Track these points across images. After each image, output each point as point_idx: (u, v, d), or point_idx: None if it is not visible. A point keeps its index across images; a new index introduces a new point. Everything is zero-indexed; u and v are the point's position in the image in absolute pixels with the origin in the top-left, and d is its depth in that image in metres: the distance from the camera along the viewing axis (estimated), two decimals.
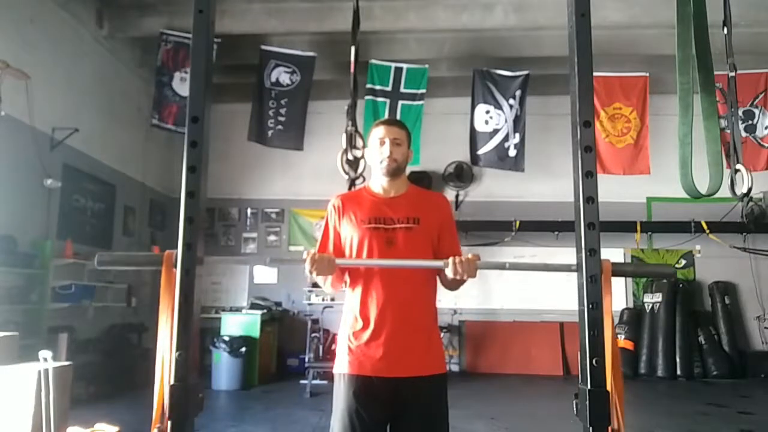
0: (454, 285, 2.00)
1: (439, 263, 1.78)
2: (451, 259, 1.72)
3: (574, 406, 1.38)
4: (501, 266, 1.66)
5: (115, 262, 1.66)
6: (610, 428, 1.32)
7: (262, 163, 8.68)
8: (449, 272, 1.73)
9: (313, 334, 7.46)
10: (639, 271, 1.23)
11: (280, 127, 6.87)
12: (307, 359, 7.18)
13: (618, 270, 1.42)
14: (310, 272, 1.78)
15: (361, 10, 5.52)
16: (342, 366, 1.95)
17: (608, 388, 1.33)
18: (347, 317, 2.01)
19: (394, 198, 2.07)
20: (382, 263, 1.97)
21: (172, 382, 1.34)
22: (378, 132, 2.08)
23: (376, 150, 2.06)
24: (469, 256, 1.75)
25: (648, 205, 8.81)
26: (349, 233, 2.02)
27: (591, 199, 1.40)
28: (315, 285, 8.47)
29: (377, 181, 2.10)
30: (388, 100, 6.94)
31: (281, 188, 9.06)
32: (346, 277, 2.04)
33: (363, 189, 2.19)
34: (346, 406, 1.88)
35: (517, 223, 8.25)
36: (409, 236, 1.98)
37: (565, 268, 1.50)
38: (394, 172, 2.06)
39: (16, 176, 5.54)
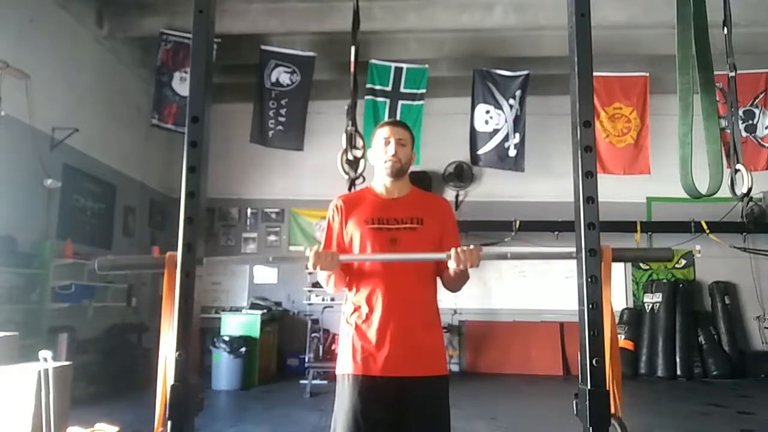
0: (455, 284, 2.01)
1: (442, 255, 1.80)
2: (453, 250, 1.74)
3: (574, 406, 1.38)
4: (503, 256, 1.68)
5: (115, 266, 1.60)
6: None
7: (262, 163, 8.68)
8: (452, 263, 1.75)
9: (313, 334, 7.46)
10: (638, 255, 1.31)
11: (280, 127, 6.87)
12: (307, 359, 7.18)
13: (618, 255, 1.44)
14: (314, 267, 1.77)
15: (361, 10, 5.51)
16: (346, 366, 1.95)
17: (607, 370, 1.34)
18: (350, 318, 2.00)
19: (397, 199, 2.08)
20: (385, 257, 1.99)
21: (172, 383, 1.34)
22: (383, 132, 2.09)
23: (381, 150, 2.07)
24: (471, 246, 1.77)
25: (648, 205, 8.81)
26: (352, 234, 2.02)
27: (591, 199, 1.40)
28: (315, 285, 8.48)
29: (380, 182, 2.11)
30: (388, 100, 6.94)
31: (281, 188, 9.06)
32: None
33: (366, 189, 2.19)
34: (351, 406, 1.87)
35: (517, 223, 8.25)
36: (413, 237, 1.98)
37: (565, 255, 1.51)
38: (398, 172, 2.07)
39: (16, 176, 5.54)
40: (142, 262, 1.66)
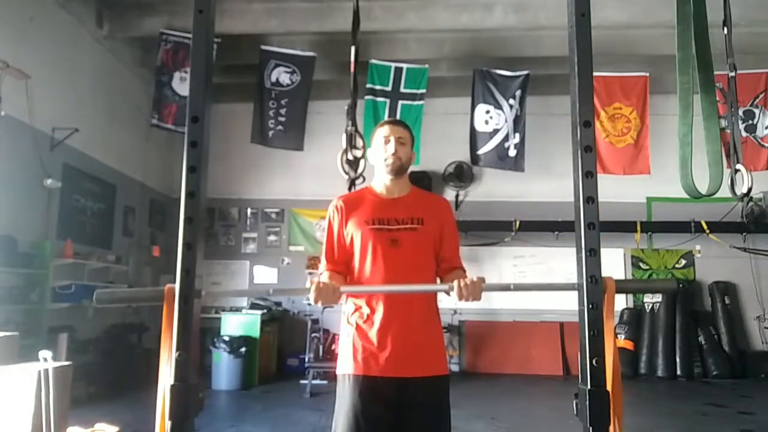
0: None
1: (444, 287, 1.77)
2: (456, 283, 1.72)
3: (574, 406, 1.37)
4: (506, 287, 1.65)
5: (114, 299, 1.56)
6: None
7: (262, 163, 8.69)
8: (455, 295, 1.74)
9: (313, 334, 7.46)
10: (641, 287, 1.26)
11: (280, 127, 6.87)
12: (307, 359, 7.18)
13: (621, 287, 1.42)
14: (316, 302, 1.77)
15: (361, 10, 5.52)
16: (346, 367, 1.95)
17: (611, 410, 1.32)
18: (350, 318, 2.01)
19: (397, 199, 2.08)
20: (388, 289, 1.98)
21: (172, 382, 1.34)
22: (383, 131, 2.10)
23: (381, 148, 2.07)
24: (474, 279, 1.74)
25: (648, 205, 8.81)
26: (353, 234, 2.02)
27: (591, 199, 1.39)
28: None
29: (380, 181, 2.11)
30: (388, 100, 6.94)
31: (281, 188, 9.06)
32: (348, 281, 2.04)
33: (365, 189, 2.19)
34: (351, 406, 1.87)
35: (517, 223, 8.25)
36: (414, 237, 1.98)
37: (568, 287, 1.48)
38: (398, 170, 2.07)
39: (16, 176, 5.54)
40: (140, 296, 1.59)
